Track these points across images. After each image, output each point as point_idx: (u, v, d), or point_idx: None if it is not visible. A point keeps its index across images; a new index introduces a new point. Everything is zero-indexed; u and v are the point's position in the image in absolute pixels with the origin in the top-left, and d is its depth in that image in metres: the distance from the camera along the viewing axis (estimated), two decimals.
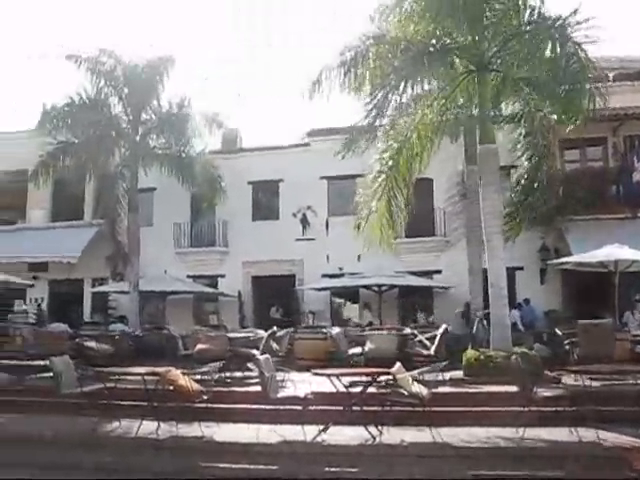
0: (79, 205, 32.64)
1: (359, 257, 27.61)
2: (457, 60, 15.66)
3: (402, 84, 14.58)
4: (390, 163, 15.93)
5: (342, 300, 30.13)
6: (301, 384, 12.28)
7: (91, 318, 30.85)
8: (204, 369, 11.00)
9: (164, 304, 29.71)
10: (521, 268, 25.74)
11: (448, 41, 15.33)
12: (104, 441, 10.66)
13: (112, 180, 27.72)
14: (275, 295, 29.61)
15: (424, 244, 27.66)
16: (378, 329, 17.96)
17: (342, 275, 27.72)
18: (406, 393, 10.00)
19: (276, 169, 29.77)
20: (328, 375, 10.57)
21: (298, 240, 29.30)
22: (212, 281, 30.23)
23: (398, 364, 10.37)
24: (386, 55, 14.71)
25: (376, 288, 25.96)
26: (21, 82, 62.02)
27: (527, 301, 24.99)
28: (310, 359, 16.49)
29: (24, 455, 10.67)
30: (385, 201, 16.25)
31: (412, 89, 15.11)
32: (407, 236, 26.15)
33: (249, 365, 13.36)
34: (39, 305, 31.40)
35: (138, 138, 27.14)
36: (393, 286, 26.00)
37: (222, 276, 30.20)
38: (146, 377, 11.08)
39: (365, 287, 26.13)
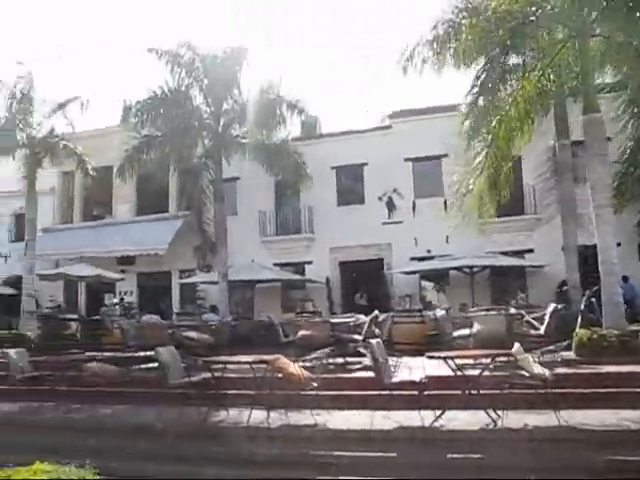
0: (163, 198, 32.92)
1: (447, 239, 27.09)
2: (557, 27, 14.96)
3: (502, 56, 14.03)
4: (489, 138, 15.36)
5: (430, 283, 29.59)
6: (410, 368, 11.94)
7: (181, 309, 31.11)
8: (314, 355, 10.72)
9: (252, 293, 29.70)
10: (618, 244, 24.79)
11: (548, 7, 14.63)
12: (215, 431, 10.49)
13: (196, 171, 27.82)
14: (363, 280, 29.30)
15: (514, 223, 26.93)
16: (487, 310, 17.46)
17: (431, 258, 27.23)
18: (527, 375, 9.53)
19: (359, 153, 29.43)
20: (444, 358, 10.16)
21: (385, 224, 28.94)
22: (299, 268, 30.09)
23: (517, 345, 9.90)
24: (482, 27, 14.10)
25: (467, 270, 25.37)
26: (101, 79, 63.02)
27: (625, 278, 23.93)
28: (408, 343, 16.13)
29: (136, 445, 10.64)
30: (485, 178, 15.67)
31: (510, 61, 14.53)
32: (497, 215, 25.51)
33: (361, 350, 13.04)
34: (122, 299, 31.78)
35: (220, 128, 27.06)
36: (484, 267, 25.38)
37: (309, 263, 30.02)
38: (254, 365, 10.86)
39: (456, 269, 25.53)
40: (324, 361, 10.81)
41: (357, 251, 29.12)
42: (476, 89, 16.22)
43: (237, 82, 26.92)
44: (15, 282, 34.91)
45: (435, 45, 15.10)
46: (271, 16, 79.07)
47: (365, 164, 29.72)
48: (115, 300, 30.70)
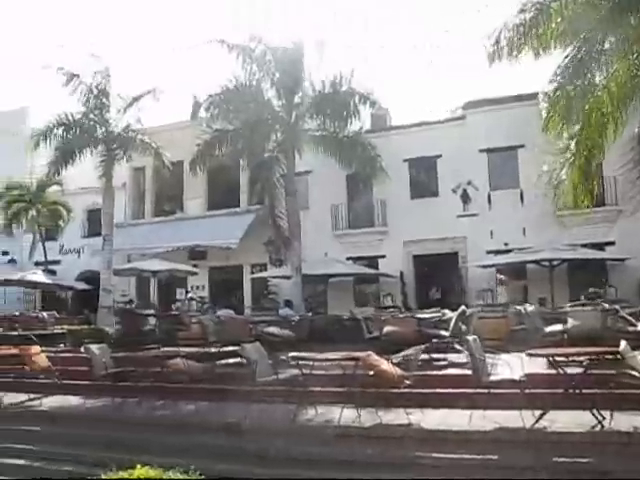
0: (234, 192, 32.90)
1: (524, 231, 26.43)
2: None
3: (596, 39, 13.38)
4: (579, 127, 14.70)
5: (504, 277, 28.85)
6: (503, 366, 11.44)
7: (253, 304, 31.06)
8: (407, 352, 10.31)
9: (325, 287, 29.42)
10: None
11: None
12: (305, 430, 10.18)
13: (268, 165, 27.55)
14: (437, 274, 28.84)
15: (595, 214, 25.98)
16: (582, 305, 16.80)
17: (508, 251, 26.54)
18: (637, 374, 8.96)
19: (432, 145, 28.91)
20: (546, 355, 9.65)
21: (460, 216, 28.38)
22: (371, 262, 29.71)
23: (624, 342, 9.32)
24: (574, 9, 13.46)
25: (547, 263, 24.59)
26: (169, 74, 63.38)
27: None
28: (490, 338, 15.56)
29: (222, 444, 10.40)
30: (576, 168, 15.01)
31: (602, 45, 13.85)
32: (577, 207, 24.70)
33: (456, 346, 12.60)
34: (187, 292, 31.88)
35: (292, 121, 26.73)
36: (564, 260, 24.59)
37: (382, 257, 29.61)
38: (344, 362, 10.53)
39: (535, 262, 24.78)
40: (415, 358, 10.33)
41: (431, 245, 28.61)
42: (562, 75, 15.53)
43: (309, 74, 26.57)
44: (89, 277, 35.39)
45: (523, 29, 14.49)
46: (339, 7, 78.57)
47: (438, 156, 29.17)
48: (190, 295, 30.76)
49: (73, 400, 13.99)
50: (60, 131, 21.40)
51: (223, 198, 33.13)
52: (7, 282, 30.09)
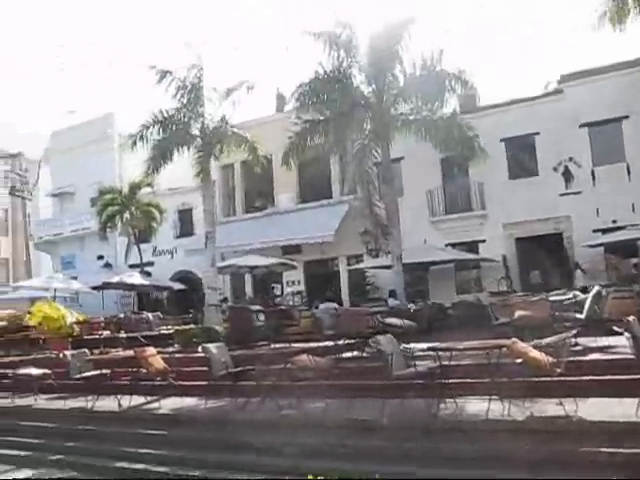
0: (326, 184, 32.38)
1: (633, 207, 25.13)
2: None
3: None
4: None
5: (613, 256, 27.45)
6: None
7: (350, 296, 30.49)
8: (553, 338, 9.45)
9: (426, 275, 28.60)
10: None
11: None
12: (450, 426, 9.44)
13: (361, 153, 26.82)
14: (541, 256, 27.62)
15: None
16: None
17: (618, 228, 25.19)
18: None
19: (529, 122, 27.85)
20: None
21: (562, 195, 27.20)
22: (471, 247, 28.78)
23: None
24: None
25: None
26: (252, 68, 63.15)
27: None
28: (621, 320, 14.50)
29: (359, 443, 9.79)
30: None
31: None
32: None
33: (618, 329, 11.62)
34: (272, 287, 31.53)
35: (384, 107, 25.95)
36: None
37: (482, 241, 28.65)
38: (486, 351, 9.75)
39: None
40: (566, 343, 9.45)
41: (533, 226, 27.53)
42: None
43: (398, 57, 25.75)
44: (182, 277, 35.47)
45: None
46: None
47: (536, 133, 28.05)
48: (290, 289, 30.43)
49: (190, 401, 13.60)
50: (156, 129, 21.18)
51: (314, 190, 32.65)
52: (106, 285, 30.25)
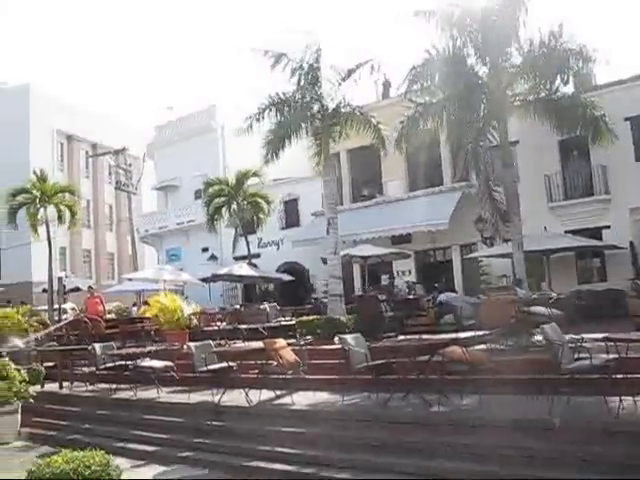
0: (436, 170, 31.36)
1: None
2: None
3: None
4: None
5: None
6: None
7: (464, 286, 29.44)
8: None
9: (544, 264, 27.20)
10: None
11: None
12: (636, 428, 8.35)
13: (477, 137, 25.64)
14: None
15: None
16: None
17: None
18: None
19: None
20: None
21: None
22: (593, 234, 27.14)
23: None
24: None
25: None
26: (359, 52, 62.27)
27: None
28: None
29: (522, 445, 8.81)
30: None
31: None
32: None
33: None
34: (391, 277, 30.62)
35: (500, 87, 24.68)
36: None
37: (606, 227, 27.00)
38: None
39: None
40: None
41: None
42: None
43: (515, 35, 24.44)
44: (289, 269, 35.03)
45: None
46: None
47: None
48: (407, 279, 29.60)
49: (325, 396, 12.84)
50: (273, 112, 20.54)
51: (424, 177, 31.65)
52: (215, 277, 29.96)
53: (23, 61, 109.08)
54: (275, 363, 12.85)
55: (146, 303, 31.08)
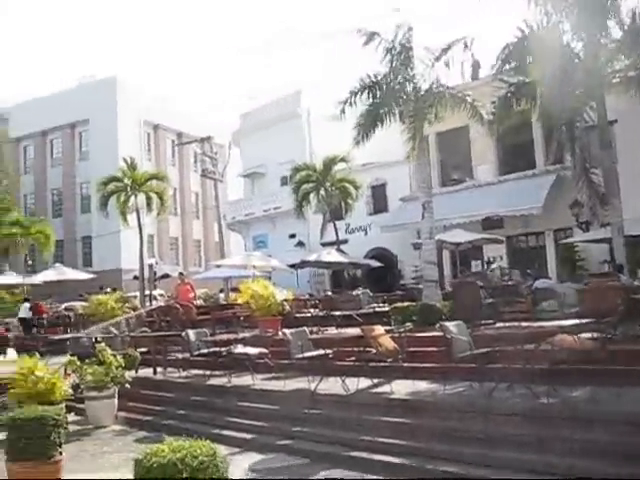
0: (528, 153, 30.46)
1: None
2: None
3: None
4: None
5: None
6: None
7: (557, 272, 28.52)
8: None
9: None
10: None
11: None
12: None
13: (572, 118, 24.69)
14: None
15: None
16: None
17: None
18: None
19: None
20: None
21: None
22: None
23: None
24: None
25: None
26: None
27: None
28: None
29: None
30: None
31: None
32: None
33: None
34: (488, 263, 29.85)
35: (598, 64, 23.66)
36: None
37: None
38: None
39: None
40: None
41: None
42: None
43: (615, 7, 23.36)
44: (377, 255, 34.68)
45: None
46: None
47: None
48: (497, 265, 28.87)
49: (425, 386, 12.43)
50: (365, 95, 20.13)
51: (516, 160, 30.79)
52: (303, 263, 29.80)
53: (110, 54, 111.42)
54: (374, 350, 12.50)
55: (235, 290, 31.22)
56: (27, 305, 29.68)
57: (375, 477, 9.70)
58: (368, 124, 20.27)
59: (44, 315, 29.96)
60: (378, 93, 20.17)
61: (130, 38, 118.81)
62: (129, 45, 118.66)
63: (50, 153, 60.32)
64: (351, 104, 20.44)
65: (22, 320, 29.45)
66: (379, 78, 20.18)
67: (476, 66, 33.64)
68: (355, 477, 9.76)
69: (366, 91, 20.22)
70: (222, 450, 6.92)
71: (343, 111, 20.55)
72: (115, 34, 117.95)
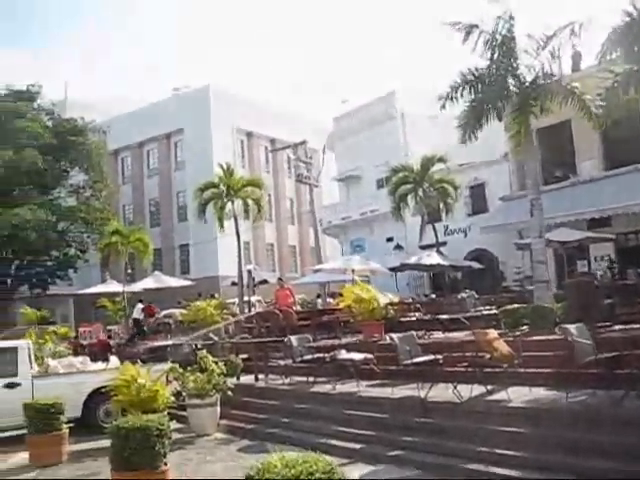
0: (637, 145, 28.92)
1: None
2: None
3: None
4: None
5: None
6: None
7: None
8: None
9: None
10: None
11: None
12: None
13: None
14: None
15: None
16: None
17: None
18: None
19: None
20: None
21: None
22: None
23: None
24: None
25: None
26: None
27: None
28: None
29: None
30: None
31: None
32: None
33: None
34: (608, 261, 28.51)
35: None
36: None
37: None
38: None
39: None
40: None
41: None
42: None
43: None
44: (477, 256, 33.82)
45: None
46: None
47: None
48: (604, 264, 27.66)
49: (542, 393, 11.68)
50: (467, 90, 19.35)
51: (624, 154, 29.26)
52: (403, 266, 29.23)
53: (202, 64, 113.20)
54: (487, 356, 11.82)
55: (332, 295, 30.86)
56: (140, 306, 30.67)
57: None
58: (472, 122, 19.47)
59: (154, 316, 30.84)
60: (480, 87, 19.35)
61: (220, 46, 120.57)
62: (219, 53, 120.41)
63: (147, 164, 61.38)
64: (452, 99, 19.68)
65: (135, 321, 30.40)
66: (481, 72, 19.39)
67: (577, 57, 32.31)
68: None
69: (467, 86, 19.45)
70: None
71: (444, 106, 19.79)
72: (205, 42, 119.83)
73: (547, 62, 18.85)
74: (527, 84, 18.92)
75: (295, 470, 5.85)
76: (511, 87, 19.01)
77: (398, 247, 38.21)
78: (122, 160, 62.81)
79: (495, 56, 18.90)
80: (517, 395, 11.60)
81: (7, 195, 43.64)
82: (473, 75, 19.27)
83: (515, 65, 19.05)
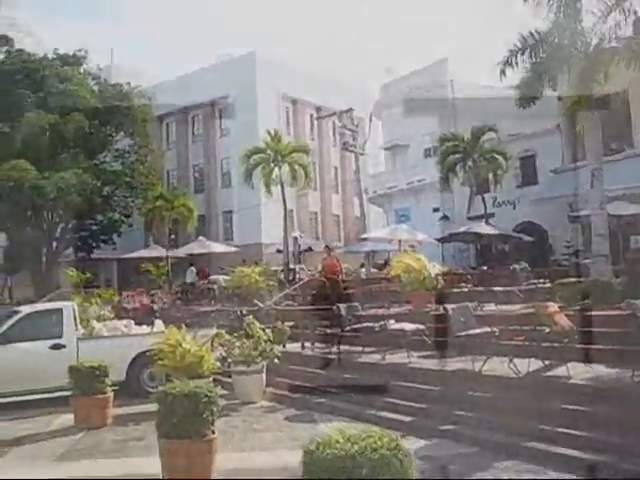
0: None
1: None
2: None
3: None
4: None
5: None
6: None
7: None
8: None
9: None
10: None
11: None
12: None
13: None
14: None
15: None
16: None
17: None
18: None
19: None
20: None
21: None
22: None
23: None
24: None
25: None
26: None
27: None
28: None
29: None
30: None
31: None
32: None
33: None
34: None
35: None
36: None
37: None
38: None
39: None
40: None
41: None
42: None
43: None
44: (525, 229, 33.20)
45: None
46: None
47: None
48: None
49: (602, 369, 11.19)
50: (527, 54, 18.61)
51: None
52: (452, 236, 28.73)
53: (249, 29, 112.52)
54: (547, 330, 11.33)
55: (377, 265, 30.44)
56: (193, 269, 30.58)
57: (564, 475, 8.56)
58: (533, 85, 18.72)
59: (207, 278, 31.49)
60: (541, 52, 18.56)
61: (265, 12, 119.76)
62: (263, 18, 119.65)
63: (191, 129, 61.12)
64: (511, 64, 18.96)
65: (190, 285, 30.51)
66: (542, 35, 18.57)
67: (638, 23, 31.19)
68: (536, 472, 8.69)
69: (527, 50, 18.68)
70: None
71: (503, 72, 19.09)
72: (251, 9, 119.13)
73: (614, 25, 17.99)
74: (592, 47, 18.12)
75: (358, 445, 5.44)
76: (576, 50, 18.19)
77: (444, 218, 37.63)
78: (167, 126, 62.60)
79: (559, 17, 18.07)
80: (577, 371, 11.14)
81: (53, 159, 43.53)
82: (534, 38, 18.50)
83: (580, 27, 18.24)
